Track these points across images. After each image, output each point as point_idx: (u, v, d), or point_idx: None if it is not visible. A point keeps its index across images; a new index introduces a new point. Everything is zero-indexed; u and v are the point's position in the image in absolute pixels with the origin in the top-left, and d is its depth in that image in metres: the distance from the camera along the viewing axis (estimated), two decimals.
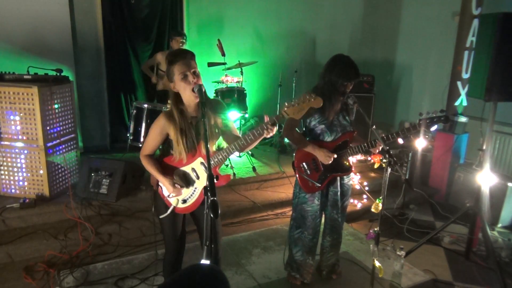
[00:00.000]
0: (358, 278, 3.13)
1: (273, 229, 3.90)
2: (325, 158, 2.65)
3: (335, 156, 2.65)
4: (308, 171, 2.75)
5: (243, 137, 2.10)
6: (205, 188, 1.64)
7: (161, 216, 2.31)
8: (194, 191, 2.25)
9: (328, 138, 2.74)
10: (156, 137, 2.22)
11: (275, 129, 2.05)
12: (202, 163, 2.21)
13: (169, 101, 2.23)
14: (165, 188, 2.25)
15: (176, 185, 2.21)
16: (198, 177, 2.24)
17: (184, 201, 2.27)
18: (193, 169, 2.23)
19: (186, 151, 2.17)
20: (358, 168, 5.10)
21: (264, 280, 3.07)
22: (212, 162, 2.18)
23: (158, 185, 2.31)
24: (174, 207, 2.27)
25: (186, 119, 2.17)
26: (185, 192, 2.26)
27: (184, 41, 4.89)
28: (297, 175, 2.78)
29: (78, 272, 3.04)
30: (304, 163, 2.75)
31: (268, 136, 2.05)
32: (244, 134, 2.12)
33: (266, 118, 2.05)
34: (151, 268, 3.13)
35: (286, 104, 2.03)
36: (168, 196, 2.27)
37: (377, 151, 2.65)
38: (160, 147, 2.32)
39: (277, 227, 3.95)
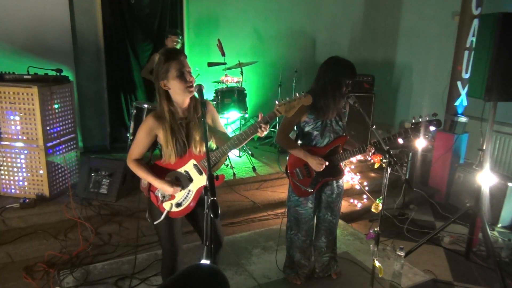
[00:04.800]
0: (358, 278, 3.13)
1: (273, 229, 3.90)
2: (317, 165, 2.65)
3: (327, 163, 2.66)
4: (301, 176, 2.76)
5: (236, 136, 2.12)
6: (205, 188, 1.64)
7: (155, 222, 2.26)
8: (188, 193, 2.23)
9: (321, 144, 2.74)
10: (144, 138, 2.17)
11: (268, 127, 2.10)
12: (195, 165, 2.19)
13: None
14: (162, 190, 2.20)
15: (174, 185, 2.16)
16: (191, 180, 2.22)
17: (179, 205, 2.23)
18: (186, 172, 2.21)
19: (176, 154, 2.14)
20: (358, 168, 5.10)
21: (264, 280, 3.07)
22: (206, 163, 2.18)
23: (149, 191, 2.25)
24: (168, 212, 2.23)
25: (176, 121, 2.15)
26: (179, 195, 2.23)
27: (179, 40, 4.83)
28: (290, 180, 2.79)
29: (78, 272, 3.04)
30: (297, 169, 2.76)
31: (261, 135, 2.10)
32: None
33: (260, 117, 2.08)
34: (151, 268, 3.14)
35: (277, 102, 2.09)
36: (161, 201, 2.23)
37: (369, 154, 2.66)
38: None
39: (277, 227, 3.93)
